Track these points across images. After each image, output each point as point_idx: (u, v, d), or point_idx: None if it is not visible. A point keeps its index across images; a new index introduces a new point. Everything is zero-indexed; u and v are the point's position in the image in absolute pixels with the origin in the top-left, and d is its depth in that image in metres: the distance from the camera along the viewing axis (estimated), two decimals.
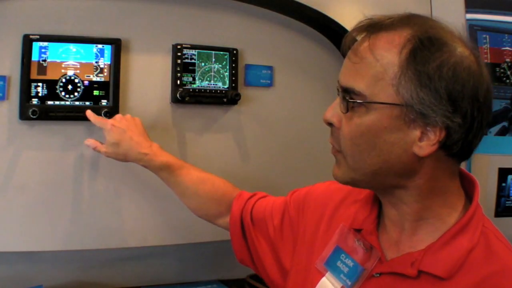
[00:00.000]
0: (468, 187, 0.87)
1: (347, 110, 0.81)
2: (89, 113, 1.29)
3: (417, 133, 0.78)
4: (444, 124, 0.76)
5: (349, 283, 0.88)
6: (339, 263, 0.91)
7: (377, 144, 0.80)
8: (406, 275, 0.81)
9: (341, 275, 0.89)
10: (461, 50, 0.78)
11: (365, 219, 0.92)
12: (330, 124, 0.85)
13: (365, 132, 0.80)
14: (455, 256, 0.79)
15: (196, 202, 1.25)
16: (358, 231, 0.92)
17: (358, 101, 0.79)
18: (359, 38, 0.83)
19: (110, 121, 1.26)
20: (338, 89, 0.85)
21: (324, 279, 0.92)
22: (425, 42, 0.77)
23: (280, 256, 1.08)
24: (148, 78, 1.41)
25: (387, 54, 0.78)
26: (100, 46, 1.34)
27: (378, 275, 0.85)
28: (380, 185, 0.85)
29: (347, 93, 0.81)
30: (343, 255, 0.91)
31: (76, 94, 1.32)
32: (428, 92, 0.76)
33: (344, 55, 0.86)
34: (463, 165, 0.87)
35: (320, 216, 1.02)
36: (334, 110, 0.84)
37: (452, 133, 0.77)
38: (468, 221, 0.82)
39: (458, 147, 0.79)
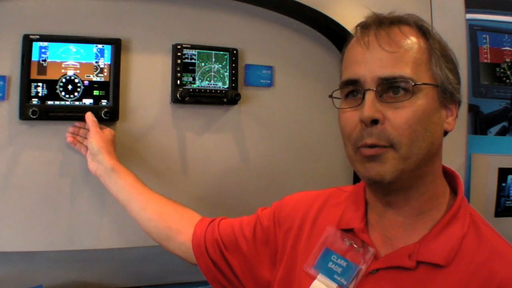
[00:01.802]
0: (448, 179, 0.92)
1: (398, 98, 0.81)
2: (88, 114, 1.29)
3: (444, 111, 0.87)
4: (459, 100, 0.87)
5: (345, 282, 0.88)
6: (330, 264, 0.91)
7: (428, 126, 0.84)
8: (404, 267, 0.83)
9: (335, 276, 0.90)
10: None
11: (354, 219, 0.93)
12: (373, 121, 0.81)
13: (421, 116, 0.83)
14: (449, 244, 0.83)
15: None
16: (346, 231, 0.93)
17: (428, 83, 0.83)
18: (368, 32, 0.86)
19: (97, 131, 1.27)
20: (361, 88, 0.83)
21: (316, 281, 0.91)
22: (430, 32, 0.87)
23: (257, 270, 1.05)
24: (148, 78, 1.41)
25: (417, 41, 0.85)
26: (100, 46, 1.34)
27: (374, 271, 0.86)
28: (417, 175, 0.85)
29: (394, 81, 0.81)
30: (334, 256, 0.91)
31: (76, 94, 1.32)
32: (449, 72, 0.85)
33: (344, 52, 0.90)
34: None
35: (300, 223, 1.01)
36: (373, 106, 0.82)
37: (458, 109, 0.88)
38: (457, 210, 0.86)
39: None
